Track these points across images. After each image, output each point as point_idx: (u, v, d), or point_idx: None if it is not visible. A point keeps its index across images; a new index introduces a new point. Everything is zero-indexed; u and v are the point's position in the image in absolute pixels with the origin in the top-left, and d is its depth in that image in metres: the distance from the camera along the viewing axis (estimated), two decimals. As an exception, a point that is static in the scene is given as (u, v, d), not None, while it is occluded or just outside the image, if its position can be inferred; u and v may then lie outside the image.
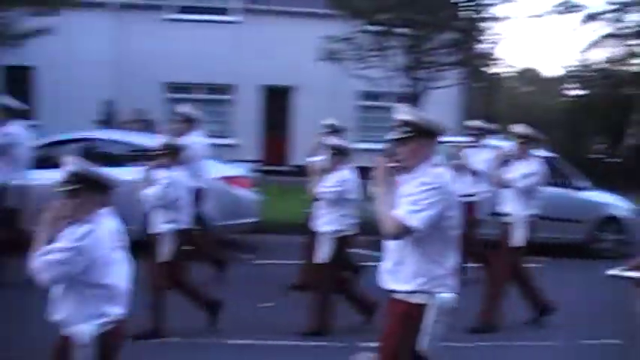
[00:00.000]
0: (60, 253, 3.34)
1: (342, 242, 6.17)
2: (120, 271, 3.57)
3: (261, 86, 18.27)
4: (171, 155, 6.12)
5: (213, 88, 18.63)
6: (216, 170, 8.88)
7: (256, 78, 17.82)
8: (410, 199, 3.44)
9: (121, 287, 3.55)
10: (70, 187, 3.45)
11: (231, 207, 9.02)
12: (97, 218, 3.45)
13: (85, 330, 3.41)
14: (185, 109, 7.97)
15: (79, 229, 3.35)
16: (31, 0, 13.85)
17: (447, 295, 3.51)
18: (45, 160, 8.43)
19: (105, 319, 3.46)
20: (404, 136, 3.58)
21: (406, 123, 3.59)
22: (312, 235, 6.58)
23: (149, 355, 5.31)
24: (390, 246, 3.59)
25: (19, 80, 17.80)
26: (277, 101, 18.37)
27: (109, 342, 3.52)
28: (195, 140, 7.66)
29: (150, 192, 5.97)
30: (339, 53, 14.72)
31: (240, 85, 18.16)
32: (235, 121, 18.46)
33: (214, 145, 8.94)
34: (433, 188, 3.43)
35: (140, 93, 15.28)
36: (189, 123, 7.81)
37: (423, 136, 3.54)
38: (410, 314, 3.50)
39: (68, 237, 3.34)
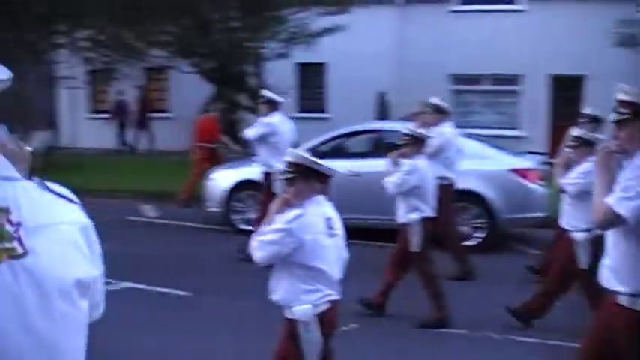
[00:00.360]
0: (272, 233, 3.68)
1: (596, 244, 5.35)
2: (330, 256, 3.78)
3: (549, 75, 18.49)
4: (415, 145, 6.36)
5: (499, 79, 19.29)
6: (505, 162, 9.22)
7: (544, 67, 18.10)
8: (623, 186, 3.16)
9: (330, 271, 3.77)
10: (288, 176, 3.81)
11: (521, 200, 9.03)
12: (310, 204, 3.75)
13: (302, 310, 3.70)
14: (435, 100, 8.09)
15: (290, 213, 3.70)
16: (325, 1, 15.97)
17: None
18: (337, 151, 10.03)
19: (316, 300, 3.72)
20: (622, 118, 3.30)
21: (625, 104, 3.29)
22: (560, 231, 6.37)
23: (431, 344, 6.04)
24: (609, 239, 3.33)
25: (313, 75, 20.50)
26: (566, 91, 18.33)
27: (329, 322, 3.79)
28: (445, 131, 7.84)
29: (390, 180, 6.28)
30: (636, 38, 14.34)
31: (527, 75, 18.61)
32: (522, 112, 18.91)
33: (500, 137, 9.68)
34: None
35: (424, 85, 15.80)
36: (439, 114, 7.96)
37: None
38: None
39: (281, 220, 3.69)
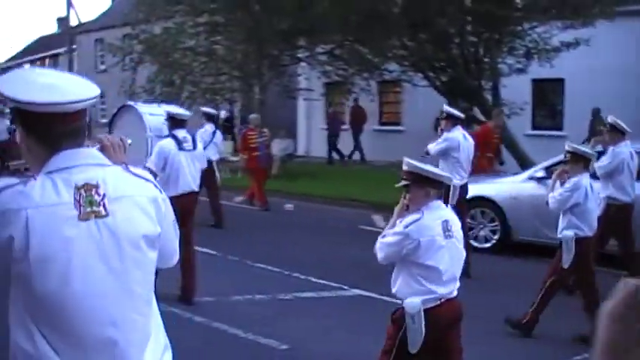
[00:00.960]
0: (392, 236, 4.26)
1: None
2: (447, 256, 4.19)
3: None
4: (577, 162, 6.53)
5: None
6: None
7: None
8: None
9: (446, 270, 4.17)
10: (405, 183, 4.33)
11: None
12: (427, 209, 4.22)
13: (412, 303, 4.13)
14: (612, 119, 8.27)
15: (408, 218, 4.22)
16: (567, 14, 15.59)
17: None
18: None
19: (430, 297, 4.14)
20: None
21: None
22: None
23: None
24: None
25: (549, 92, 20.17)
26: None
27: (436, 318, 4.15)
28: (621, 151, 7.98)
29: (551, 195, 6.61)
30: None
31: None
32: None
33: None
34: None
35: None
36: (615, 133, 8.08)
37: None
38: None
39: (400, 224, 4.24)
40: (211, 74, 20.66)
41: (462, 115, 9.39)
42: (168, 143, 7.61)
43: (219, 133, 12.64)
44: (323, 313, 7.15)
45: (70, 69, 31.75)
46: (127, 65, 21.72)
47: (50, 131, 2.17)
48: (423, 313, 4.11)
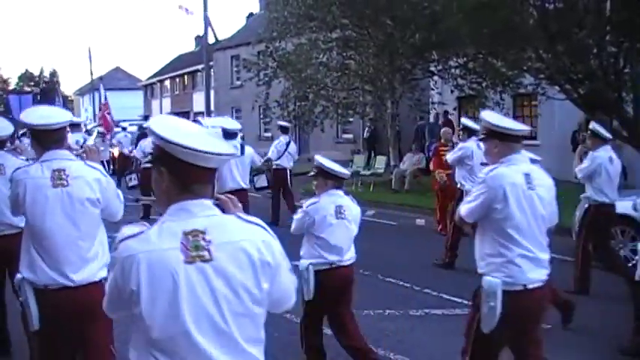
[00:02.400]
0: (298, 214, 5.89)
1: None
2: (336, 232, 5.69)
3: None
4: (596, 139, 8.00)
5: None
6: None
7: None
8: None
9: (335, 243, 5.70)
10: (311, 174, 5.97)
11: None
12: (325, 195, 5.79)
13: (304, 263, 5.73)
14: (594, 126, 8.72)
15: (310, 200, 5.87)
16: None
17: None
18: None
19: (321, 260, 5.71)
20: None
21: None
22: None
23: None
24: None
25: None
26: None
27: (326, 279, 5.65)
28: (601, 155, 8.40)
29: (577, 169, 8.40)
30: None
31: None
32: None
33: None
34: None
35: None
36: (596, 139, 8.51)
37: None
38: None
39: (304, 205, 5.89)
40: (344, 89, 20.99)
41: (478, 127, 8.99)
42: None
43: (293, 144, 14.53)
44: (454, 331, 7.10)
45: (208, 84, 33.06)
46: (262, 80, 22.44)
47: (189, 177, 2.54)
48: (312, 272, 5.61)
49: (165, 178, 2.54)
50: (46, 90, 46.27)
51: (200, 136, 2.56)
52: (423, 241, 11.76)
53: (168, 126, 2.56)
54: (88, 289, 4.22)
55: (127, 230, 2.55)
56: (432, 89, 22.69)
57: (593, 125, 8.92)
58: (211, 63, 38.03)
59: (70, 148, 4.78)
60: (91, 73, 64.45)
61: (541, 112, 20.73)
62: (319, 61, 20.72)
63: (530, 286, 4.36)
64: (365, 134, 26.31)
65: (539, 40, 16.46)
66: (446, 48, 18.88)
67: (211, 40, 35.78)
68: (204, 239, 2.44)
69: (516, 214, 4.35)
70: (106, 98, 25.06)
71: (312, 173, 5.83)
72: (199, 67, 42.71)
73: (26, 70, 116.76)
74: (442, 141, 13.47)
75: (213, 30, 35.40)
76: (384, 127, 22.20)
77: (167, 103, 58.14)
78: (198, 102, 47.65)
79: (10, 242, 5.19)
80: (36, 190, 4.31)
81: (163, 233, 2.46)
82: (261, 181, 13.19)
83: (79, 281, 4.28)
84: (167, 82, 59.29)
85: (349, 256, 5.83)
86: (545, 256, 4.49)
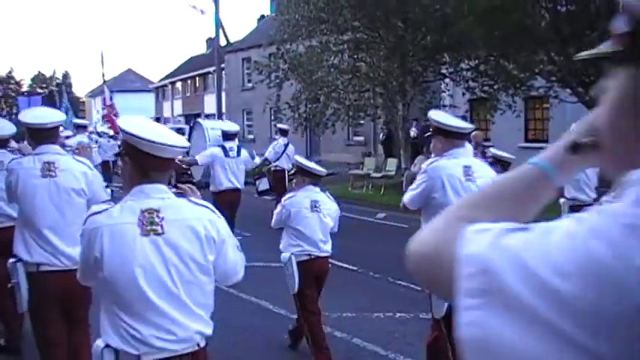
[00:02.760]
0: (278, 208, 6.39)
1: None
2: (311, 224, 6.11)
3: None
4: None
5: None
6: None
7: None
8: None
9: (311, 235, 6.12)
10: (291, 173, 6.73)
11: None
12: (302, 190, 6.28)
13: (286, 255, 6.14)
14: None
15: (287, 195, 6.48)
16: None
17: None
18: None
19: (299, 250, 6.09)
20: None
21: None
22: None
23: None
24: None
25: None
26: None
27: (306, 268, 6.02)
28: None
29: None
30: None
31: None
32: None
33: None
34: None
35: None
36: None
37: None
38: None
39: (283, 200, 6.44)
40: (355, 91, 20.98)
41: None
42: (218, 151, 10.25)
43: (291, 146, 14.41)
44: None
45: (219, 86, 33.11)
46: (273, 82, 22.46)
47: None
48: (295, 262, 5.93)
49: (129, 166, 3.08)
50: (51, 93, 46.90)
51: (159, 132, 3.09)
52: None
53: (133, 124, 3.08)
54: (74, 273, 3.69)
55: (95, 207, 3.10)
56: (444, 92, 22.66)
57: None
58: (223, 65, 38.10)
59: (63, 145, 5.71)
60: (103, 75, 64.64)
61: (553, 114, 20.67)
62: (330, 64, 20.74)
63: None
64: (381, 137, 26.22)
65: (551, 42, 16.42)
66: (457, 50, 18.85)
67: (223, 42, 35.84)
68: (157, 216, 2.97)
69: (452, 202, 4.27)
70: (111, 99, 25.07)
71: (292, 172, 6.54)
72: (211, 69, 42.79)
73: (39, 72, 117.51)
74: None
75: (224, 32, 35.48)
76: (395, 129, 22.17)
77: (178, 105, 58.26)
78: (209, 104, 47.72)
79: (10, 233, 5.23)
80: (27, 179, 4.84)
81: (124, 210, 2.99)
82: (263, 184, 13.33)
83: (68, 265, 4.62)
84: (178, 84, 59.42)
85: (326, 248, 6.25)
86: None
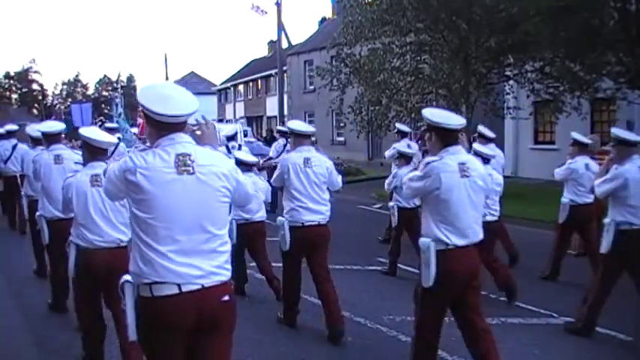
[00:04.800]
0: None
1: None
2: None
3: None
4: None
5: None
6: None
7: None
8: None
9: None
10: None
11: None
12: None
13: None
14: (573, 136, 9.67)
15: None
16: None
17: None
18: None
19: (242, 217, 8.13)
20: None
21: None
22: None
23: None
24: None
25: None
26: None
27: (246, 231, 8.17)
28: (577, 162, 9.25)
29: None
30: None
31: None
32: None
33: None
34: None
35: None
36: (576, 147, 9.44)
37: None
38: None
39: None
40: (417, 93, 20.87)
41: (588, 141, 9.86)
42: (223, 150, 10.98)
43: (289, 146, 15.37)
44: (531, 341, 7.00)
45: (281, 89, 33.36)
46: (335, 86, 22.52)
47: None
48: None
49: (148, 126, 3.82)
50: (111, 99, 49.34)
51: (169, 101, 3.70)
52: (499, 247, 11.56)
53: (148, 96, 3.72)
54: (113, 251, 5.69)
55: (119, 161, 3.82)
56: (508, 94, 22.35)
57: (573, 135, 9.70)
58: (285, 68, 38.39)
59: (65, 143, 8.36)
60: (167, 78, 65.85)
61: (620, 117, 20.19)
62: (393, 66, 20.67)
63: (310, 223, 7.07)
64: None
65: (619, 42, 16.04)
66: (522, 52, 18.57)
67: (285, 45, 36.12)
68: (190, 159, 3.69)
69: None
70: (127, 106, 25.88)
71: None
72: (273, 71, 43.21)
73: (104, 76, 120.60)
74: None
75: (286, 35, 35.71)
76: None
77: (240, 107, 58.93)
78: (271, 106, 48.14)
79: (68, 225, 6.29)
80: (46, 166, 7.82)
81: (157, 156, 3.67)
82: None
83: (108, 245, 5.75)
84: (241, 87, 60.10)
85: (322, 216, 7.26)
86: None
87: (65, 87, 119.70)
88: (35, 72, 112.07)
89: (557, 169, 9.60)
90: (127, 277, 3.68)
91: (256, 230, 8.45)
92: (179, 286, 3.56)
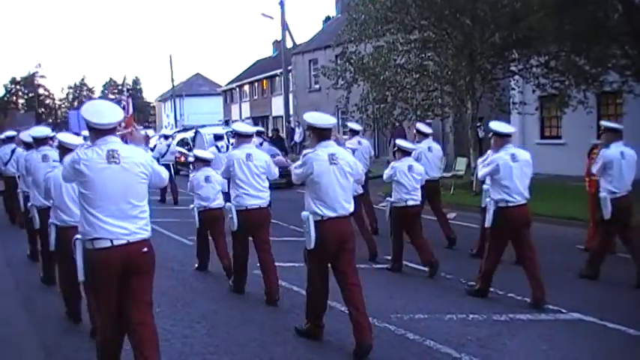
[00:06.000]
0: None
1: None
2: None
3: None
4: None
5: None
6: None
7: None
8: None
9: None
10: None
11: None
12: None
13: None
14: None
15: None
16: None
17: None
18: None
19: (202, 205, 9.93)
20: None
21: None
22: None
23: None
24: None
25: None
26: None
27: (206, 217, 9.83)
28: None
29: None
30: None
31: None
32: None
33: None
34: None
35: None
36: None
37: None
38: None
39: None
40: (423, 90, 20.82)
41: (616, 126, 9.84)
42: (213, 150, 13.01)
43: (266, 144, 17.19)
44: (539, 337, 6.97)
45: (286, 88, 33.35)
46: (341, 86, 22.49)
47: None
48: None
49: (90, 131, 5.35)
50: (119, 103, 51.57)
51: (102, 113, 5.29)
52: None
53: (88, 112, 5.33)
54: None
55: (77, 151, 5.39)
56: (513, 89, 22.27)
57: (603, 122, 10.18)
58: (290, 67, 38.38)
59: (51, 145, 9.26)
60: (172, 80, 66.09)
61: (627, 110, 20.10)
62: (397, 64, 20.64)
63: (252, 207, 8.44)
64: (480, 134, 24.04)
65: (624, 35, 15.97)
66: (527, 47, 18.51)
67: (289, 44, 36.10)
68: (116, 153, 5.21)
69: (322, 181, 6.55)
70: (134, 110, 27.00)
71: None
72: (278, 71, 43.19)
73: (110, 79, 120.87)
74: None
75: (291, 35, 35.70)
76: (464, 128, 21.85)
77: (246, 107, 58.95)
78: (276, 106, 48.13)
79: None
80: (35, 164, 9.14)
81: (94, 152, 5.22)
82: None
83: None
84: (246, 87, 60.09)
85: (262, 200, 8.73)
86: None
87: (71, 91, 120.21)
88: (41, 77, 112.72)
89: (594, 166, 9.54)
90: (78, 235, 5.37)
91: (214, 216, 9.99)
92: (111, 241, 5.15)
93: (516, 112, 22.20)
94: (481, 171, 8.57)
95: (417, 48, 20.47)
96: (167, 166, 18.61)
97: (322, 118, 6.76)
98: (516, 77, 21.35)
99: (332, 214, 6.55)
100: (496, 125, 8.47)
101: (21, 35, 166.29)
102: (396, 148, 10.40)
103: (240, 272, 9.02)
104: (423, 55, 20.72)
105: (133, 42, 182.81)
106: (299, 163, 6.73)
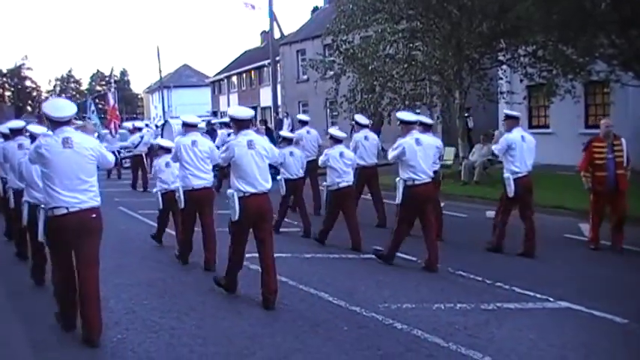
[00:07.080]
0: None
1: None
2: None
3: None
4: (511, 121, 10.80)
5: None
6: None
7: None
8: None
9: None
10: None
11: None
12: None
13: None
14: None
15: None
16: None
17: None
18: None
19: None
20: None
21: None
22: None
23: None
24: None
25: None
26: None
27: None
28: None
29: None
30: None
31: None
32: None
33: None
34: None
35: None
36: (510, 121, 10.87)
37: None
38: None
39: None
40: (411, 80, 20.82)
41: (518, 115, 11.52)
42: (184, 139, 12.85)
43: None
44: (527, 326, 6.98)
45: (274, 79, 33.24)
46: (330, 76, 22.45)
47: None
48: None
49: (49, 123, 6.61)
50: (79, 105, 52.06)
51: (60, 108, 6.58)
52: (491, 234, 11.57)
53: (48, 107, 6.65)
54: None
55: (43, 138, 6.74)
56: (501, 78, 22.30)
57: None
58: (278, 58, 38.24)
59: (25, 135, 10.38)
60: (160, 71, 65.72)
61: (614, 99, 20.15)
62: (385, 54, 20.61)
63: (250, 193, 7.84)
64: (469, 124, 24.29)
65: (611, 24, 15.97)
66: (514, 36, 18.51)
67: (277, 35, 35.96)
68: (70, 140, 6.47)
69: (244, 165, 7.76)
70: (116, 103, 29.97)
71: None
72: (266, 62, 43.02)
73: (97, 71, 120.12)
74: (600, 135, 11.02)
75: (278, 25, 35.54)
76: (451, 117, 21.87)
77: (234, 98, 58.73)
78: (265, 97, 47.99)
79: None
80: (12, 152, 10.08)
81: (53, 139, 6.46)
82: None
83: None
84: (234, 78, 59.93)
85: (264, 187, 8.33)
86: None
87: (58, 83, 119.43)
88: (28, 69, 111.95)
89: None
90: (42, 206, 6.86)
91: (173, 197, 10.54)
92: (67, 208, 6.45)
93: (504, 101, 22.22)
94: (390, 154, 9.71)
95: (404, 38, 20.47)
96: (140, 156, 21.09)
97: (242, 111, 8.17)
98: (504, 67, 21.38)
99: (252, 190, 7.77)
100: (403, 115, 10.00)
101: (7, 27, 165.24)
102: (329, 136, 11.62)
103: (186, 245, 10.27)
104: (411, 45, 20.72)
105: (120, 33, 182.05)
106: (223, 148, 8.07)
